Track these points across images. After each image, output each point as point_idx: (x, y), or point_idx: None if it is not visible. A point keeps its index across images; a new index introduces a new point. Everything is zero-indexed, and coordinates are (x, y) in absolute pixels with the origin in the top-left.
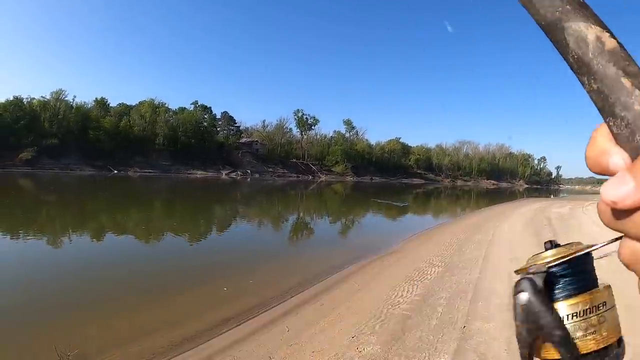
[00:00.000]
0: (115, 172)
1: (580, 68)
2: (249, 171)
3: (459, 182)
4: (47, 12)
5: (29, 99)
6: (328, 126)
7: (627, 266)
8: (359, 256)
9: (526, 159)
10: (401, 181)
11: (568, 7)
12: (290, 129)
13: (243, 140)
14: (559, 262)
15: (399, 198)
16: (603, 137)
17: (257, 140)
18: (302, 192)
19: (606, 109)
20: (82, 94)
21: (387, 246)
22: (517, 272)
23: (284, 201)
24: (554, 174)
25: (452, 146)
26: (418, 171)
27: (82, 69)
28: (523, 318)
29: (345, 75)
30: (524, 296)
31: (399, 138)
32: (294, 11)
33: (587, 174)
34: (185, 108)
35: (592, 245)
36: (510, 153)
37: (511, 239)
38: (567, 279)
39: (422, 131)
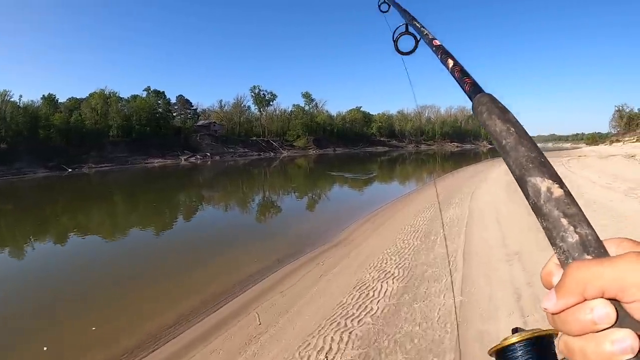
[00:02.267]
0: (70, 170)
1: (536, 211)
2: (208, 154)
3: (423, 147)
4: None
5: None
6: (287, 101)
7: (563, 356)
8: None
9: None
10: (365, 150)
11: (531, 165)
12: (249, 106)
13: (200, 122)
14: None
15: (363, 168)
16: (552, 261)
17: (215, 122)
18: (264, 171)
19: (552, 241)
20: (29, 93)
21: (325, 238)
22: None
23: (245, 183)
24: None
25: (413, 111)
26: (381, 139)
27: (26, 66)
28: None
29: (299, 46)
30: None
31: (360, 107)
32: None
33: (547, 131)
34: (137, 95)
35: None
36: (471, 115)
37: (496, 216)
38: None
39: (383, 98)
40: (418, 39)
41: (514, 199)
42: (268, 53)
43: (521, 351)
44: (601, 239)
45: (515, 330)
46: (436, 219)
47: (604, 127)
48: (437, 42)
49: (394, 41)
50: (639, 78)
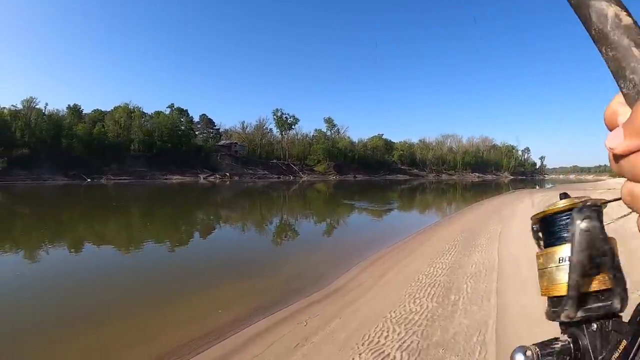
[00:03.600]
0: (89, 180)
1: (600, 39)
2: (228, 174)
3: (444, 176)
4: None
5: None
6: (309, 125)
7: (627, 205)
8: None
9: (510, 150)
10: (385, 178)
11: None
12: (270, 129)
13: (222, 142)
14: (603, 203)
15: (383, 197)
16: (616, 100)
17: (236, 142)
18: (283, 194)
19: (619, 73)
20: (54, 102)
21: (321, 282)
22: (563, 206)
23: (265, 204)
24: (539, 164)
25: (435, 140)
26: (402, 167)
27: (55, 76)
28: (585, 245)
29: (326, 74)
30: (590, 223)
31: (382, 134)
32: (270, 16)
33: (570, 162)
34: (161, 112)
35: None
36: (494, 145)
37: (536, 270)
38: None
39: (405, 127)
40: None
41: None
42: (292, 77)
43: (567, 219)
44: None
45: (564, 196)
46: (458, 267)
47: None
48: None
49: None
50: None
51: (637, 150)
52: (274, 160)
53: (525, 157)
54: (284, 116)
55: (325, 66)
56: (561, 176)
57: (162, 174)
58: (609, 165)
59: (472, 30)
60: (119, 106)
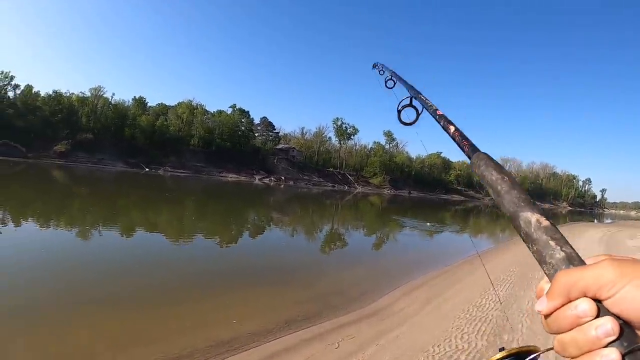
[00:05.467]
0: (147, 170)
1: (527, 238)
2: (282, 177)
3: None
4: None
5: (68, 94)
6: (368, 137)
7: (558, 353)
8: None
9: (570, 180)
10: (440, 197)
11: (522, 204)
12: (329, 137)
13: (280, 146)
14: (538, 353)
15: (437, 217)
16: (543, 281)
17: (294, 147)
18: (336, 203)
19: (542, 260)
20: (121, 93)
21: (362, 301)
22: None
23: (317, 211)
24: (599, 197)
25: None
26: (458, 187)
27: (123, 70)
28: None
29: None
30: None
31: (440, 152)
32: (338, 20)
33: (631, 198)
34: (223, 111)
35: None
36: (555, 173)
37: None
38: None
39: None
40: (420, 111)
41: None
42: (354, 87)
43: None
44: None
45: (501, 349)
46: (513, 301)
47: None
48: (440, 112)
49: (398, 112)
50: None
51: (556, 309)
52: (330, 169)
53: (586, 188)
54: (344, 125)
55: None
56: (621, 212)
57: (218, 171)
58: None
59: (547, 53)
60: (183, 102)
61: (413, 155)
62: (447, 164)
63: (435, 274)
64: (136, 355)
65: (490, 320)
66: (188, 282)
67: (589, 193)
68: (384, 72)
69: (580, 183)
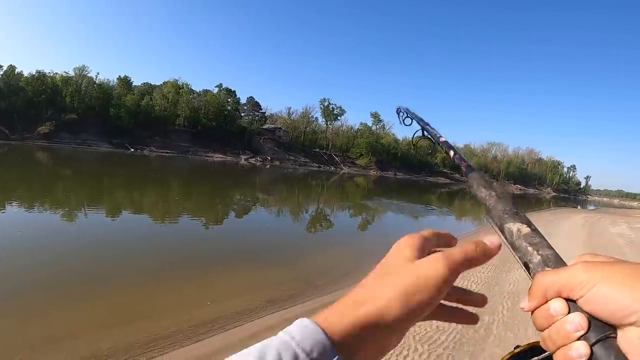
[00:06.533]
0: (132, 150)
1: (512, 247)
2: (268, 158)
3: None
4: None
5: (52, 74)
6: (355, 118)
7: (544, 349)
8: None
9: (555, 166)
10: (425, 179)
11: (506, 216)
12: (316, 118)
13: (266, 126)
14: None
15: (422, 198)
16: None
17: (280, 128)
18: (322, 184)
19: (525, 266)
20: (106, 73)
21: (343, 281)
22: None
23: (302, 191)
24: (583, 184)
25: (480, 147)
26: (444, 170)
27: (107, 50)
28: None
29: (377, 68)
30: None
31: (427, 135)
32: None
33: (615, 187)
34: (209, 90)
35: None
36: (540, 159)
37: None
38: None
39: (451, 130)
40: (433, 141)
41: None
42: (342, 68)
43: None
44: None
45: (516, 347)
46: (495, 284)
47: None
48: (442, 139)
49: (414, 144)
50: None
51: (536, 309)
52: (317, 149)
53: (571, 174)
54: (331, 106)
55: (377, 57)
56: (605, 199)
57: (204, 151)
58: None
59: (534, 44)
60: (168, 81)
61: (399, 137)
62: (433, 147)
63: None
64: (119, 334)
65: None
66: (170, 263)
67: (573, 179)
68: (402, 113)
69: (565, 169)
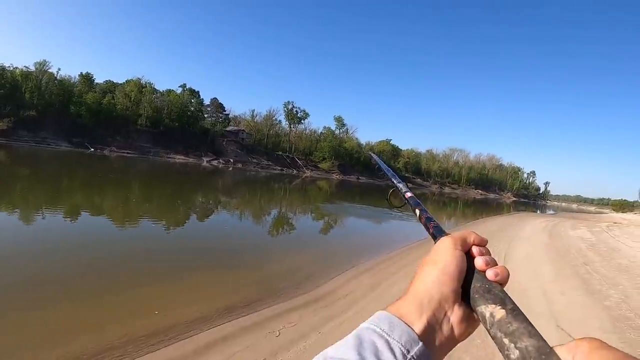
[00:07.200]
0: (92, 150)
1: (491, 336)
2: (231, 160)
3: (447, 189)
4: None
5: (12, 68)
6: (319, 122)
7: None
8: None
9: (516, 172)
10: (388, 183)
11: (476, 296)
12: (280, 121)
13: (230, 128)
14: None
15: (384, 202)
16: None
17: (244, 130)
18: (285, 187)
19: (504, 358)
20: (67, 69)
21: (305, 285)
22: None
23: (265, 195)
24: (542, 189)
25: (442, 152)
26: (406, 175)
27: (69, 46)
28: None
29: (341, 74)
30: None
31: (390, 140)
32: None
33: (573, 192)
34: (172, 90)
35: None
36: (501, 165)
37: (550, 310)
38: None
39: (414, 135)
40: (403, 199)
41: (566, 274)
42: (307, 72)
43: None
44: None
45: None
46: None
47: (629, 195)
48: (408, 194)
49: (388, 199)
50: None
51: None
52: (280, 153)
53: (530, 180)
54: (295, 109)
55: (339, 65)
56: (563, 204)
57: (165, 152)
58: (612, 199)
59: (493, 49)
60: (131, 80)
61: (363, 141)
62: (396, 151)
63: (384, 258)
64: (67, 347)
65: None
66: (123, 269)
67: (533, 185)
68: (375, 162)
69: (525, 175)
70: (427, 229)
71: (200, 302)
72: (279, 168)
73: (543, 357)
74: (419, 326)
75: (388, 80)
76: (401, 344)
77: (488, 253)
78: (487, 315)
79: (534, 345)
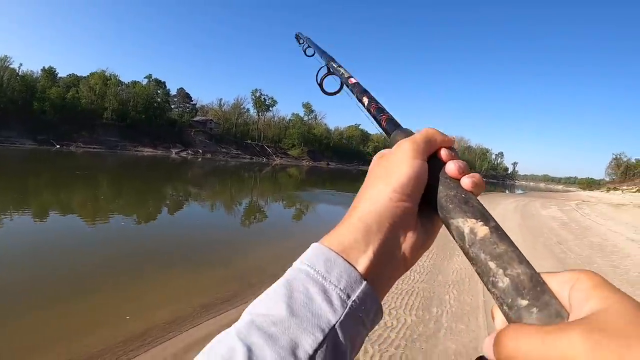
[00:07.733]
0: (58, 146)
1: (466, 255)
2: (200, 151)
3: None
4: None
5: None
6: (287, 109)
7: None
8: None
9: (484, 153)
10: (358, 168)
11: (451, 206)
12: (248, 109)
13: (197, 118)
14: None
15: (355, 187)
16: (497, 309)
17: (211, 120)
18: (255, 176)
19: (486, 287)
20: (29, 64)
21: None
22: None
23: (235, 185)
24: (511, 170)
25: None
26: None
27: (29, 37)
28: None
29: (304, 61)
30: None
31: (359, 125)
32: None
33: (541, 171)
34: (138, 82)
35: None
36: (469, 146)
37: None
38: None
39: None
40: (342, 82)
41: (542, 254)
42: (274, 58)
43: None
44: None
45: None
46: (437, 272)
47: (595, 173)
48: (353, 80)
49: (319, 84)
50: (637, 128)
51: None
52: (249, 141)
53: (499, 161)
54: (263, 97)
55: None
56: (531, 183)
57: (133, 146)
58: (578, 177)
59: (466, 31)
60: (95, 72)
61: (332, 127)
62: (365, 136)
63: None
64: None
65: (417, 293)
66: (92, 271)
67: (501, 165)
68: (303, 41)
69: (494, 156)
70: (379, 122)
71: (177, 302)
72: (249, 157)
73: (538, 289)
74: (364, 261)
75: (357, 66)
76: (340, 288)
77: (458, 156)
78: (466, 231)
79: (526, 273)
